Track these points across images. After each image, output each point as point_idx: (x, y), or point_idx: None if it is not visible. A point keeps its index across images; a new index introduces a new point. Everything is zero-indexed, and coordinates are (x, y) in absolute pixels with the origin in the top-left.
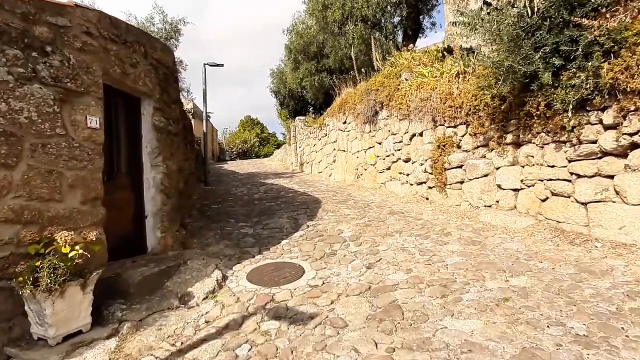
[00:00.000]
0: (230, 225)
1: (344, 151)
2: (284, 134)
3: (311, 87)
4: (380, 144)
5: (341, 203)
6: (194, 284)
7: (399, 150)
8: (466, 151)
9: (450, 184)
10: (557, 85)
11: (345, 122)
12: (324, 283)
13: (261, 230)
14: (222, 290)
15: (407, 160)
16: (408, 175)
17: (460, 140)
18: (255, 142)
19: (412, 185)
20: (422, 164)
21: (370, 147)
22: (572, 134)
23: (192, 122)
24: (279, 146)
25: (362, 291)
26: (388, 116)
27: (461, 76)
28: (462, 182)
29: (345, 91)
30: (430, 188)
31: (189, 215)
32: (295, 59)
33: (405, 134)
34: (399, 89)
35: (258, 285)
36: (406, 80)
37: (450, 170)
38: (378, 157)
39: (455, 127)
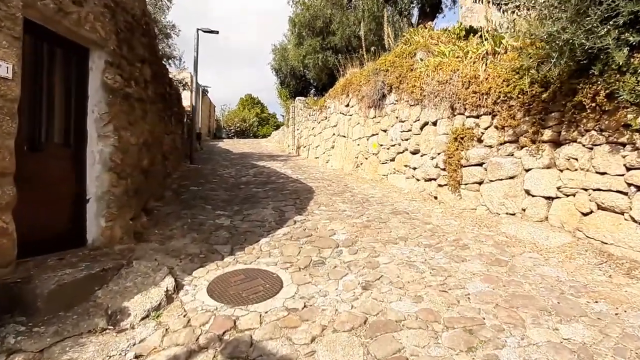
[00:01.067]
0: (204, 213)
1: (344, 137)
2: (283, 115)
3: (314, 65)
4: (385, 131)
5: (336, 195)
6: (133, 295)
7: (407, 139)
8: (489, 146)
9: (466, 184)
10: (625, 69)
11: (347, 105)
12: (305, 306)
13: (240, 221)
14: (171, 306)
15: (415, 152)
16: (415, 168)
17: (483, 133)
18: (254, 121)
19: (418, 180)
20: (432, 158)
21: (374, 134)
22: (638, 134)
23: (182, 93)
24: (278, 127)
25: (354, 325)
26: (397, 100)
27: (489, 57)
28: (480, 183)
29: (350, 71)
30: (440, 186)
31: (159, 198)
32: (299, 33)
33: (415, 121)
34: (411, 70)
35: (219, 301)
36: (421, 60)
37: (467, 167)
38: (381, 145)
39: (477, 116)
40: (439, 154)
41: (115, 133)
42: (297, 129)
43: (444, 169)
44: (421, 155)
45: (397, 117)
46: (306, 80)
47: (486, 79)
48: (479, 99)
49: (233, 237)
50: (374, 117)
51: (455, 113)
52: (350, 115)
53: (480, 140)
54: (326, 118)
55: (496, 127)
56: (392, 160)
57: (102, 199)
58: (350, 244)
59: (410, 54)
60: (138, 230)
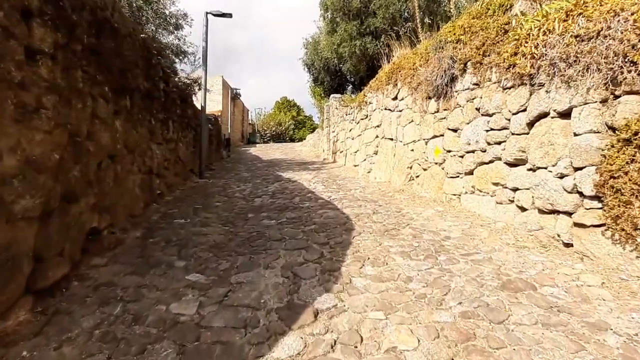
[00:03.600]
0: (162, 282)
1: (391, 139)
2: (320, 118)
3: (350, 54)
4: (454, 130)
5: (389, 234)
6: None
7: (498, 143)
8: None
9: None
10: None
11: (395, 98)
12: None
13: (214, 307)
14: None
15: (516, 163)
16: (516, 190)
17: None
18: (289, 124)
19: (524, 210)
20: (562, 175)
21: (436, 136)
22: None
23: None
24: (314, 130)
25: None
26: (476, 83)
27: None
28: None
29: (399, 53)
30: (581, 226)
31: (109, 246)
32: (332, 18)
33: (517, 112)
34: (504, 33)
35: None
36: (522, 14)
37: None
38: (448, 152)
39: None
40: (579, 168)
41: None
42: (333, 131)
43: (595, 197)
44: (532, 169)
45: (477, 109)
46: (342, 75)
47: None
48: None
49: None
50: (436, 112)
51: (621, 91)
52: (400, 110)
53: None
54: (367, 117)
55: None
56: (469, 173)
57: None
58: None
59: (501, 9)
60: None
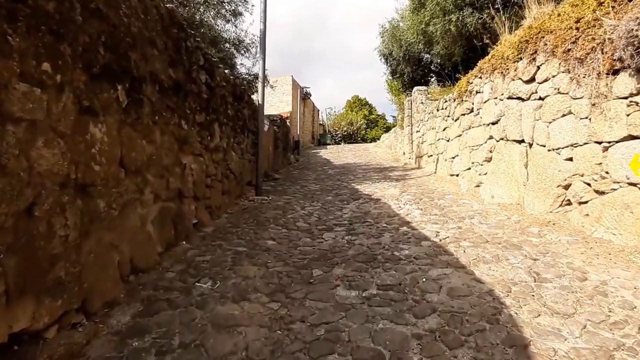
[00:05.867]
0: None
1: (519, 141)
2: (393, 116)
3: (443, 33)
4: None
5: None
6: None
7: None
8: None
9: None
10: None
11: (532, 79)
12: None
13: None
14: None
15: None
16: None
17: None
18: (361, 124)
19: None
20: None
21: (634, 136)
22: None
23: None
24: (387, 129)
25: None
26: None
27: None
28: None
29: (537, 12)
30: None
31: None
32: None
33: None
34: None
35: None
36: None
37: None
38: None
39: None
40: None
41: None
42: (417, 131)
43: None
44: None
45: None
46: (425, 65)
47: None
48: None
49: None
50: (635, 95)
51: None
52: (541, 98)
53: None
54: (471, 111)
55: None
56: None
57: None
58: None
59: None
60: None
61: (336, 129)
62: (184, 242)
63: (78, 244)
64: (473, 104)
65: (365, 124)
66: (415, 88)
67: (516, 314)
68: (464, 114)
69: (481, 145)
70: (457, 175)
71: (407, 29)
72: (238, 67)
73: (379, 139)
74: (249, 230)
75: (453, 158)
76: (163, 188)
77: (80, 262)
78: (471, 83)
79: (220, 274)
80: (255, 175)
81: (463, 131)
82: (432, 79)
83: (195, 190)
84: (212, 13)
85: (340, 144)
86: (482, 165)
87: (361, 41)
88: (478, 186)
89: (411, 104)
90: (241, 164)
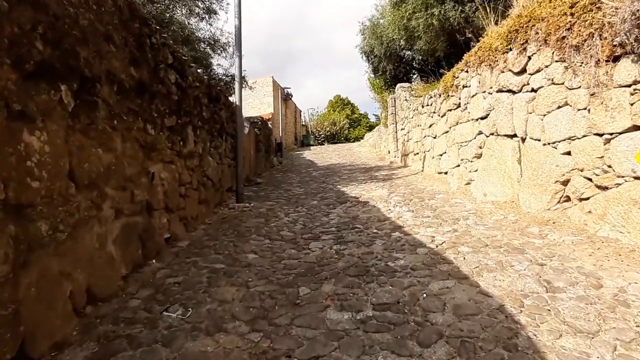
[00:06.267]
0: None
1: (511, 136)
2: (376, 115)
3: (425, 28)
4: None
5: None
6: None
7: None
8: None
9: None
10: None
11: (523, 71)
12: None
13: None
14: None
15: None
16: None
17: None
18: (344, 123)
19: None
20: None
21: (635, 127)
22: None
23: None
24: (370, 128)
25: None
26: None
27: None
28: None
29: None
30: None
31: None
32: None
33: None
34: None
35: None
36: None
37: None
38: None
39: None
40: None
41: None
42: (402, 129)
43: None
44: None
45: None
46: (407, 62)
47: None
48: None
49: None
50: (638, 83)
51: None
52: (534, 90)
53: None
54: (459, 106)
55: None
56: None
57: None
58: None
59: None
60: None
61: (319, 129)
62: (153, 261)
63: (12, 278)
64: (460, 98)
65: (348, 124)
66: (398, 85)
67: (535, 335)
68: (450, 110)
69: (470, 141)
70: (446, 173)
71: (387, 25)
72: (215, 67)
73: (362, 138)
74: (228, 243)
75: (441, 155)
76: (127, 201)
77: (17, 300)
78: (457, 77)
79: (193, 299)
80: (235, 181)
81: (450, 127)
82: (415, 76)
83: (167, 201)
84: (184, 10)
85: (323, 144)
86: (471, 162)
87: (345, 40)
88: (468, 184)
89: (395, 101)
90: (219, 170)
